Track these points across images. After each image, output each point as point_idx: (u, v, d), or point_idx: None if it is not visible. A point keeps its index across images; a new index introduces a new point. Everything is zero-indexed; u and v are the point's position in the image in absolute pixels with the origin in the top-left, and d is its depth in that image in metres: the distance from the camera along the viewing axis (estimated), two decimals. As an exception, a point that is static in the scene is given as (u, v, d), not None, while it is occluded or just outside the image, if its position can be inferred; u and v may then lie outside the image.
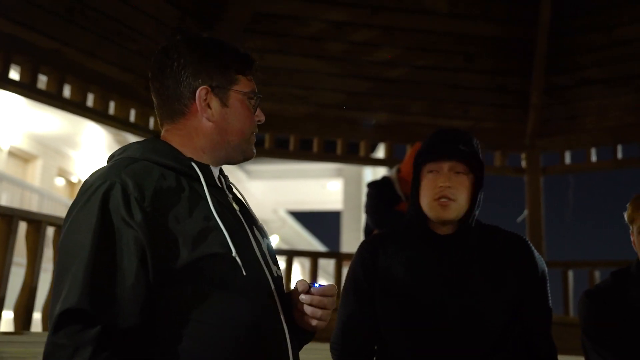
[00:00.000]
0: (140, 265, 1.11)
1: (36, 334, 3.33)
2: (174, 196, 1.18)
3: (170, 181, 1.20)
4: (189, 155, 1.27)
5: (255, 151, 1.37)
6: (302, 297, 1.25)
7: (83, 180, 1.26)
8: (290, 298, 1.30)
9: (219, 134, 1.29)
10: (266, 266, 1.28)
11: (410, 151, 3.22)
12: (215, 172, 1.32)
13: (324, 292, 1.24)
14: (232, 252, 1.18)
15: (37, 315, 3.59)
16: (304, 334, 1.33)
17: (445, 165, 1.67)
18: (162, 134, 1.32)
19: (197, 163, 1.27)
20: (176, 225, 1.15)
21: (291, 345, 1.24)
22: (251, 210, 1.40)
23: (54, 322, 1.05)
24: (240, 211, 1.33)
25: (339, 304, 1.82)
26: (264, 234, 1.37)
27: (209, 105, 1.28)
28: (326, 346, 1.87)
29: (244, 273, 1.19)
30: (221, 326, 1.14)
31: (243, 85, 1.31)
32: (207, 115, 1.28)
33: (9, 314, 4.12)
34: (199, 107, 1.27)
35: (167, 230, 1.14)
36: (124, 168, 1.18)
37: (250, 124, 1.32)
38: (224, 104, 1.29)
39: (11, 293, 3.47)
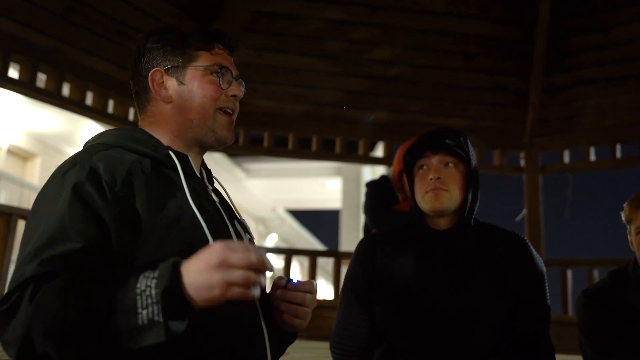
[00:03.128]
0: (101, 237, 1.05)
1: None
2: (148, 183, 1.13)
3: (145, 168, 1.16)
4: (165, 143, 1.23)
5: (231, 134, 1.28)
6: (278, 292, 1.21)
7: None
8: (271, 298, 1.24)
9: (179, 113, 1.25)
10: None
11: (397, 152, 3.21)
12: (196, 162, 1.28)
13: (299, 287, 1.20)
14: (208, 242, 1.11)
15: (36, 314, 3.59)
16: (286, 336, 1.28)
17: (434, 159, 1.70)
18: (139, 123, 1.31)
19: (175, 152, 1.22)
20: (148, 211, 1.09)
21: (270, 344, 1.18)
22: (233, 205, 1.36)
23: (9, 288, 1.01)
24: (220, 203, 1.28)
25: (338, 303, 1.83)
26: (245, 229, 1.31)
27: (165, 87, 1.25)
28: (323, 345, 1.87)
29: None
30: (191, 319, 1.05)
31: (203, 60, 1.26)
32: (162, 97, 1.25)
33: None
34: (153, 90, 1.25)
35: (137, 216, 1.08)
36: (95, 153, 1.14)
37: (212, 98, 1.24)
38: (180, 82, 1.25)
39: (10, 291, 3.47)
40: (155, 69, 1.25)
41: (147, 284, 0.96)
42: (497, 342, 1.67)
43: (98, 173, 1.09)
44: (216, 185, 1.37)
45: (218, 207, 1.25)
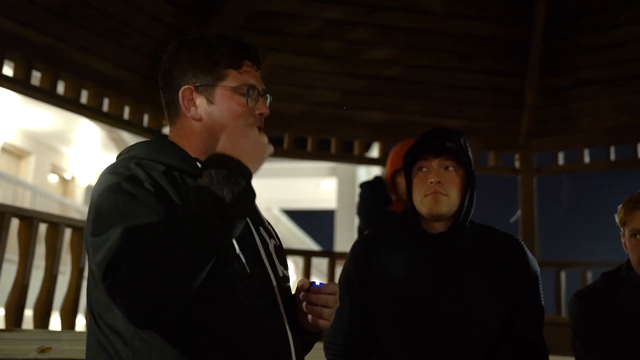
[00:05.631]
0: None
1: (28, 331, 3.32)
2: (178, 191, 1.16)
3: (175, 179, 1.19)
4: (193, 156, 1.27)
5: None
6: (301, 295, 1.25)
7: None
8: (295, 299, 1.29)
9: (208, 132, 1.27)
10: (270, 265, 1.27)
11: (391, 154, 3.20)
12: None
13: (321, 289, 1.23)
14: (235, 250, 1.17)
15: (28, 313, 3.57)
16: (310, 336, 1.32)
17: (435, 162, 1.69)
18: (168, 135, 1.33)
19: (202, 163, 1.24)
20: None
21: (294, 344, 1.22)
22: (259, 212, 1.40)
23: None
24: None
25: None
26: (270, 235, 1.36)
27: (195, 105, 1.27)
28: (318, 345, 1.86)
29: (248, 270, 1.18)
30: (220, 326, 1.12)
31: (232, 80, 1.28)
32: (191, 115, 1.28)
33: (0, 311, 4.10)
34: (182, 108, 1.28)
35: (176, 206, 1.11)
36: (129, 163, 1.17)
37: (239, 119, 1.27)
38: (209, 101, 1.27)
39: (2, 290, 3.46)
40: (186, 86, 1.27)
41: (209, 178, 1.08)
42: (494, 343, 1.66)
43: (139, 177, 1.13)
44: None
45: None
